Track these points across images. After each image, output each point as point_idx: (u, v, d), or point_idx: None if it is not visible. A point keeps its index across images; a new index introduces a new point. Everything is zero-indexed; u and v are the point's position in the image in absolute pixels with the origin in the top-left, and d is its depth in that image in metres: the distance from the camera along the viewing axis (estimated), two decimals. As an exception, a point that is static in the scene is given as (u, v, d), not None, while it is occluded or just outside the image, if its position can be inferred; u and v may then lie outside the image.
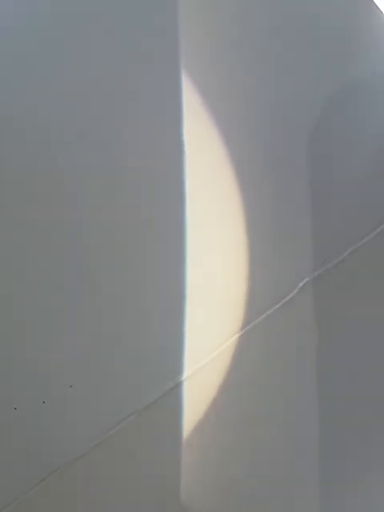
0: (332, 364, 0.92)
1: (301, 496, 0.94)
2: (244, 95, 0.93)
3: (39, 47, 0.92)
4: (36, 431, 0.89)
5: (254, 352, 0.91)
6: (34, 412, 0.89)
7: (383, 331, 0.94)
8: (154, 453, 0.90)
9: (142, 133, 0.92)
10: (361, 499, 0.95)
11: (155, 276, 0.91)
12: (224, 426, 0.91)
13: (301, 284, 0.91)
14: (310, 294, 0.91)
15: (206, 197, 0.92)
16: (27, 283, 0.91)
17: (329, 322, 0.92)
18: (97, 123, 0.92)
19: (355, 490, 0.95)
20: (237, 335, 0.91)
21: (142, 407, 0.89)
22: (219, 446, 0.91)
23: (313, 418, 0.91)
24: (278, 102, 0.94)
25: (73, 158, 0.91)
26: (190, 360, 0.90)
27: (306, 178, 0.93)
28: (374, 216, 0.93)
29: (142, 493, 0.91)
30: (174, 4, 0.91)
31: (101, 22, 0.93)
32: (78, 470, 0.89)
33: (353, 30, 0.95)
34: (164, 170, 0.92)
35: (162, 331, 0.91)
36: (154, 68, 0.92)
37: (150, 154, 0.92)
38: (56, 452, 0.89)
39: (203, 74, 0.92)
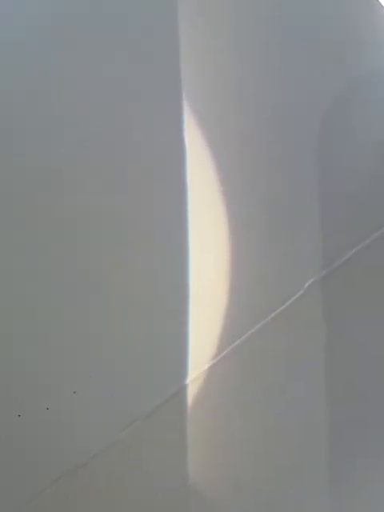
0: (339, 364, 0.92)
1: (309, 499, 0.93)
2: (243, 95, 0.93)
3: (39, 47, 0.92)
4: (41, 438, 0.89)
5: (260, 353, 0.90)
6: (39, 419, 0.88)
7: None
8: (160, 457, 0.89)
9: (142, 133, 0.92)
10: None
11: (157, 278, 0.91)
12: (230, 428, 0.90)
13: (306, 284, 0.91)
14: (316, 294, 0.91)
15: (208, 197, 0.91)
16: (28, 287, 0.90)
17: (336, 322, 0.91)
18: (97, 124, 0.91)
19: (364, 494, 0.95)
20: (243, 337, 0.90)
21: (148, 412, 0.88)
22: (225, 449, 0.90)
23: (319, 420, 0.90)
24: (279, 102, 0.93)
25: (73, 159, 0.91)
26: (194, 363, 0.89)
27: (309, 176, 0.92)
28: (380, 214, 0.92)
29: (148, 498, 0.90)
30: (176, 5, 0.91)
31: (101, 22, 0.92)
32: (83, 476, 0.88)
33: (355, 29, 0.95)
34: (164, 171, 0.91)
35: (165, 334, 0.90)
36: (154, 68, 0.92)
37: (150, 155, 0.91)
38: (61, 458, 0.89)
39: (202, 74, 0.91)
